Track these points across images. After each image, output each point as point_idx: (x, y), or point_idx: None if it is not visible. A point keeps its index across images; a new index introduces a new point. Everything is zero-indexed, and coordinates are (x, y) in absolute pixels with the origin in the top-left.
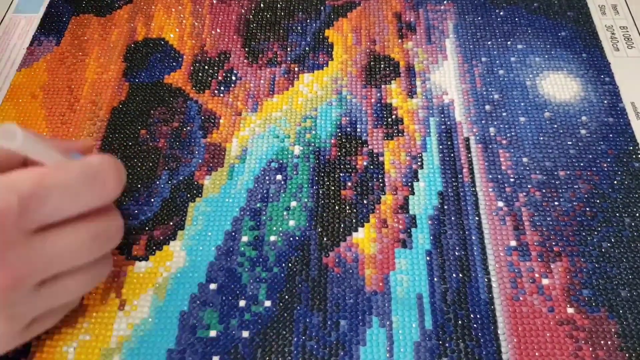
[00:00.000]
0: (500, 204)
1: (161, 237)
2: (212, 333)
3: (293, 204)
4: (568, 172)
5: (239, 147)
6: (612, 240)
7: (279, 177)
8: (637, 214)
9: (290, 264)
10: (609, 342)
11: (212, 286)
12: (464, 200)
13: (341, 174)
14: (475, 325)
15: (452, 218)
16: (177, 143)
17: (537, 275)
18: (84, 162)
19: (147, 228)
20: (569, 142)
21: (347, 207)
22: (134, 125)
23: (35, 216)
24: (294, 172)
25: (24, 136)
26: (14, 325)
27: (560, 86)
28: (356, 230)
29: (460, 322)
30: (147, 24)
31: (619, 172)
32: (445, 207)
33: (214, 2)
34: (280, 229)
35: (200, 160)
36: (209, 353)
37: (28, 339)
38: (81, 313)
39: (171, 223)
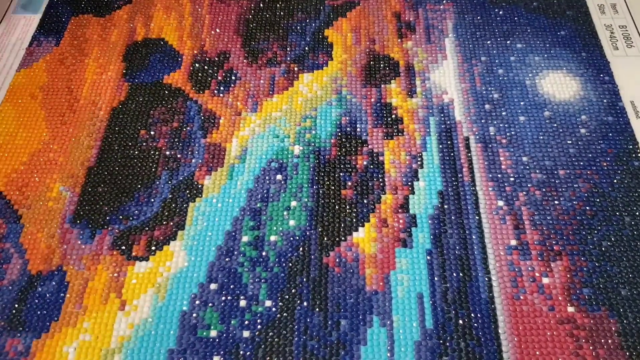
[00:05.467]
0: (501, 203)
1: (161, 237)
2: (213, 333)
3: (293, 203)
4: (568, 171)
5: (238, 147)
6: (612, 239)
7: (279, 177)
8: (637, 213)
9: (290, 264)
10: (610, 341)
11: (213, 286)
12: (464, 200)
13: (341, 174)
14: (476, 325)
15: (453, 217)
16: (177, 143)
17: (537, 274)
18: None
19: (147, 228)
20: (568, 141)
21: (347, 207)
22: (133, 126)
23: None
24: (294, 172)
25: None
26: None
27: (559, 85)
28: (356, 230)
29: (460, 321)
30: (146, 24)
31: (619, 171)
32: (446, 206)
33: (214, 2)
34: (281, 228)
35: (200, 161)
36: (210, 353)
37: None
38: (81, 313)
39: (171, 223)
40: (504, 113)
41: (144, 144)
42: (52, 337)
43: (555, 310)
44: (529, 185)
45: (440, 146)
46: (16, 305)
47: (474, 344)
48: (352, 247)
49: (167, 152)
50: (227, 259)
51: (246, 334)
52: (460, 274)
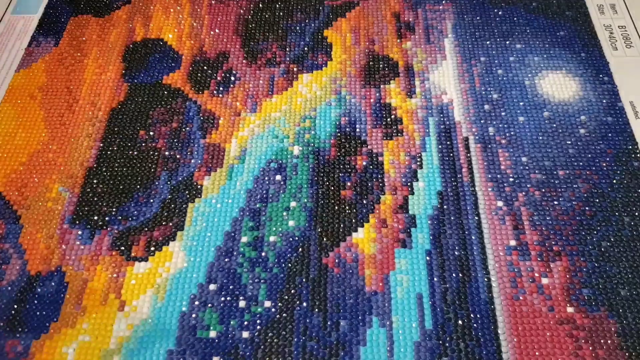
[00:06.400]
0: (500, 203)
1: (160, 238)
2: (212, 334)
3: (293, 204)
4: (567, 172)
5: (238, 147)
6: (612, 239)
7: (278, 177)
8: (637, 213)
9: (290, 264)
10: (609, 341)
11: (212, 287)
12: (464, 200)
13: (340, 174)
14: (475, 325)
15: (452, 218)
16: (176, 144)
17: (536, 274)
18: None
19: (146, 229)
20: (568, 142)
21: (347, 207)
22: (133, 126)
23: None
24: (294, 173)
25: None
26: None
27: (559, 85)
28: (356, 231)
29: (460, 321)
30: (145, 24)
31: (618, 172)
32: (445, 206)
33: (213, 2)
34: (280, 229)
35: (199, 161)
36: (209, 354)
37: None
38: (80, 314)
39: (171, 224)
40: (503, 113)
41: (143, 144)
42: (51, 338)
43: (554, 310)
44: (528, 186)
45: (440, 146)
46: (15, 306)
47: (474, 344)
48: (351, 247)
49: (167, 153)
50: (226, 260)
51: (245, 334)
52: (460, 275)
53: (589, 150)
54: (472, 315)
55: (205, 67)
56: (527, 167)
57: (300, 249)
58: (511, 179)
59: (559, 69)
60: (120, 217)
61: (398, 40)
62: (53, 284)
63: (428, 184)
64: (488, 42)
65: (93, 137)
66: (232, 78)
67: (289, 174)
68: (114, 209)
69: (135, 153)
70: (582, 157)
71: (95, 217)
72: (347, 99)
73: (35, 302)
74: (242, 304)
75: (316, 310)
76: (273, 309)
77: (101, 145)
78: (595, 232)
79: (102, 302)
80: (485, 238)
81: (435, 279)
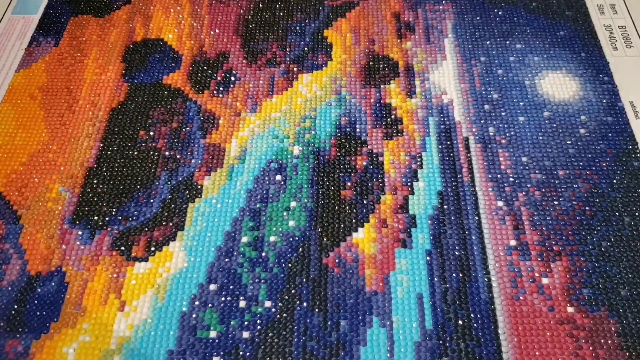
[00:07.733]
0: (500, 203)
1: (161, 238)
2: (213, 334)
3: (293, 204)
4: (567, 172)
5: (238, 147)
6: (612, 239)
7: (278, 177)
8: (637, 213)
9: (290, 264)
10: (609, 341)
11: (212, 287)
12: (464, 200)
13: (341, 174)
14: (475, 325)
15: (452, 218)
16: (176, 144)
17: (537, 274)
18: None
19: (146, 229)
20: (568, 142)
21: (347, 207)
22: (133, 126)
23: None
24: (294, 173)
25: None
26: None
27: (559, 85)
28: (356, 231)
29: (460, 321)
30: (145, 24)
31: (618, 172)
32: (445, 206)
33: (213, 2)
34: (280, 229)
35: (199, 161)
36: (210, 354)
37: None
38: (81, 314)
39: (171, 224)
40: (503, 113)
41: (143, 144)
42: (51, 338)
43: (554, 310)
44: (528, 186)
45: (440, 146)
46: (15, 306)
47: (474, 344)
48: (351, 247)
49: (167, 153)
50: (226, 260)
51: (246, 334)
52: (460, 275)
53: (589, 150)
54: (472, 315)
55: (205, 67)
56: (527, 167)
57: (300, 249)
58: (511, 179)
59: (559, 69)
60: (120, 217)
61: (398, 40)
62: (53, 284)
63: (428, 184)
64: (488, 42)
65: (93, 137)
66: (232, 78)
67: (289, 174)
68: (114, 209)
69: (135, 153)
70: (582, 157)
71: (96, 217)
72: (347, 99)
73: (36, 302)
74: (242, 304)
75: (316, 310)
76: (273, 309)
77: (101, 145)
78: (595, 232)
79: (102, 302)
80: (485, 238)
81: (435, 279)
